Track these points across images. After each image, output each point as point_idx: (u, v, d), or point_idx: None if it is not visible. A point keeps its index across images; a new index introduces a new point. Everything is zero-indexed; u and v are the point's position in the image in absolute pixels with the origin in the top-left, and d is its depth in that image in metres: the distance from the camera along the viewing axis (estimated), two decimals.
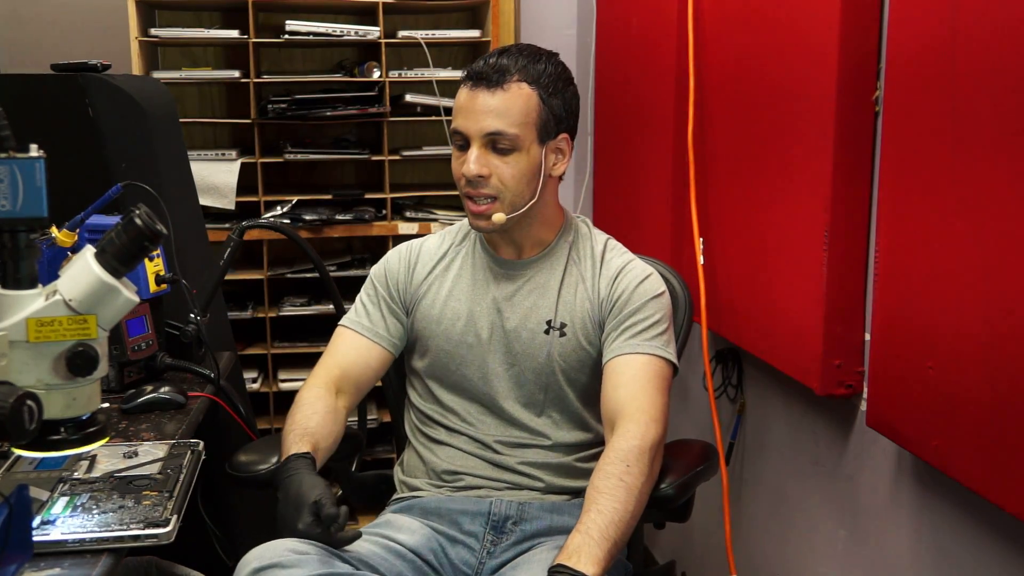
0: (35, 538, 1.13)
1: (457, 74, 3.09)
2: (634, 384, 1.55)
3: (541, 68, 1.58)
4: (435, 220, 3.04)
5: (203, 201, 2.75)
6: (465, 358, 1.65)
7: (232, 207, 2.92)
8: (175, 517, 1.23)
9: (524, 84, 1.57)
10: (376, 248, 3.19)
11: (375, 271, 1.75)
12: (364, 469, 1.94)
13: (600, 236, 1.72)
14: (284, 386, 3.02)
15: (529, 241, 1.67)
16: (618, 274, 1.65)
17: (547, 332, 1.63)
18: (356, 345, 1.69)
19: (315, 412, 1.59)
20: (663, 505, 1.53)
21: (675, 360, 1.62)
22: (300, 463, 1.48)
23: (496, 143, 1.56)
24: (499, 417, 1.64)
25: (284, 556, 1.34)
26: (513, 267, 1.67)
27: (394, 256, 1.75)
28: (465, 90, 1.58)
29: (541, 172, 1.59)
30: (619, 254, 1.69)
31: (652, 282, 1.65)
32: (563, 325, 1.63)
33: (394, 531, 1.56)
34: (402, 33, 2.99)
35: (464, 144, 1.58)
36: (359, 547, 1.46)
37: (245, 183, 2.95)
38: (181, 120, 2.44)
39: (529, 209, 1.60)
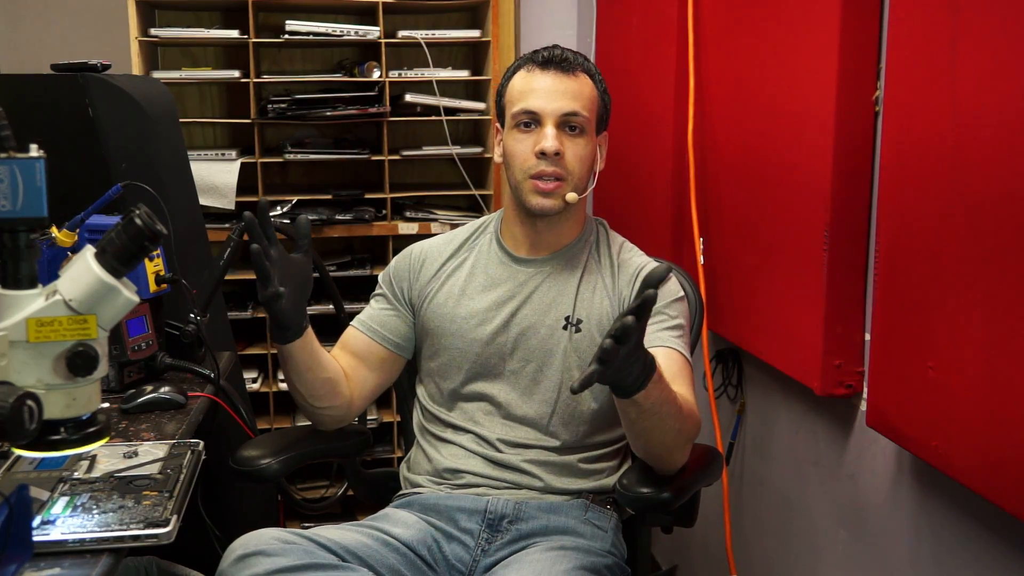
0: (35, 538, 1.12)
1: (457, 74, 3.10)
2: (675, 376, 1.54)
3: (592, 66, 1.65)
4: (435, 220, 3.03)
5: (203, 201, 2.75)
6: (480, 355, 1.65)
7: (232, 207, 2.91)
8: (175, 517, 1.23)
9: (586, 75, 1.63)
10: (376, 248, 3.19)
11: (383, 273, 1.78)
12: (364, 468, 1.94)
13: (617, 238, 1.74)
14: (284, 386, 3.01)
15: (555, 238, 1.67)
16: (638, 273, 1.66)
17: (565, 328, 1.63)
18: (351, 339, 1.72)
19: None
20: (660, 508, 1.53)
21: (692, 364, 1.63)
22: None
23: (570, 123, 1.59)
24: (507, 416, 1.64)
25: (269, 544, 1.37)
26: (531, 264, 1.68)
27: (400, 258, 1.76)
28: (532, 74, 1.61)
29: (595, 163, 1.65)
30: (637, 254, 1.71)
31: (673, 283, 1.66)
32: (579, 321, 1.63)
33: (390, 525, 1.56)
34: (402, 33, 2.99)
35: (531, 124, 1.60)
36: (350, 539, 1.47)
37: (245, 183, 2.95)
38: (181, 120, 2.44)
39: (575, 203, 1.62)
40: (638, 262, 1.68)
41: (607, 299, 1.65)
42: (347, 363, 1.69)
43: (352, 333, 1.73)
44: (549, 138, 1.57)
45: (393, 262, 1.77)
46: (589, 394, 1.64)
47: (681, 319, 1.63)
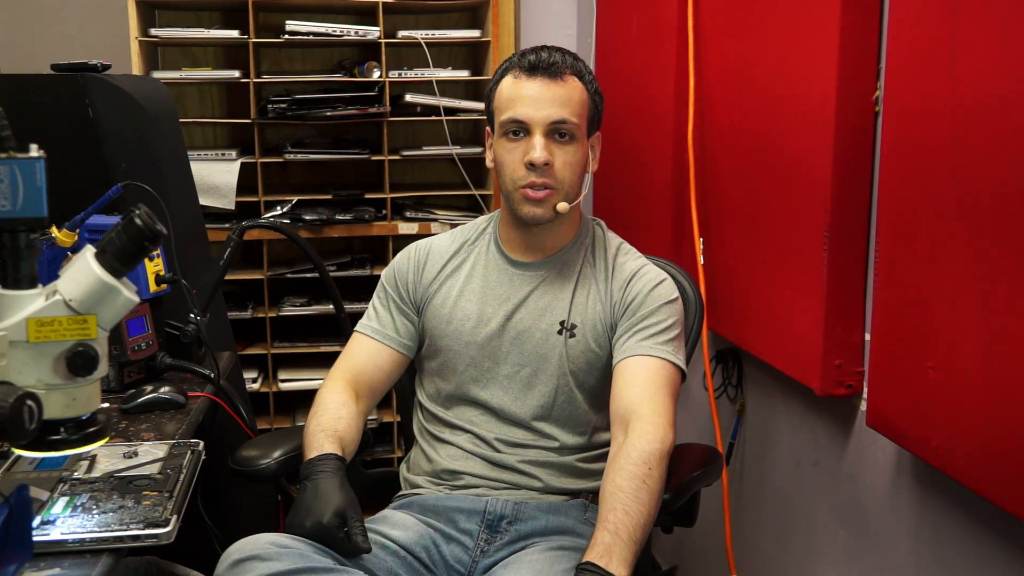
0: (35, 538, 1.13)
1: (457, 74, 3.10)
2: (649, 386, 1.55)
3: (582, 66, 1.62)
4: (435, 220, 3.04)
5: (203, 201, 2.75)
6: (475, 358, 1.65)
7: (232, 207, 2.91)
8: (175, 517, 1.23)
9: (575, 78, 1.60)
10: (376, 248, 3.19)
11: (385, 273, 1.76)
12: (364, 468, 1.94)
13: (614, 239, 1.72)
14: (284, 386, 3.01)
15: (551, 242, 1.67)
16: (631, 277, 1.65)
17: (560, 333, 1.63)
18: (367, 348, 1.70)
19: (341, 417, 1.60)
20: (660, 508, 1.53)
21: (684, 368, 1.62)
22: (335, 464, 1.50)
23: (559, 131, 1.57)
24: (505, 418, 1.64)
25: (264, 549, 1.36)
26: (528, 268, 1.67)
27: (403, 257, 1.75)
28: (519, 81, 1.59)
29: (588, 167, 1.63)
30: (633, 257, 1.70)
31: (666, 287, 1.65)
32: (573, 326, 1.63)
33: (388, 527, 1.56)
34: (402, 33, 2.99)
35: (519, 133, 1.58)
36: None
37: (245, 183, 2.95)
38: (181, 120, 2.44)
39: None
40: (632, 267, 1.67)
41: (599, 304, 1.64)
42: (361, 371, 1.68)
43: (364, 342, 1.71)
44: (537, 149, 1.55)
45: (395, 261, 1.76)
46: (582, 397, 1.64)
47: (670, 321, 1.61)
